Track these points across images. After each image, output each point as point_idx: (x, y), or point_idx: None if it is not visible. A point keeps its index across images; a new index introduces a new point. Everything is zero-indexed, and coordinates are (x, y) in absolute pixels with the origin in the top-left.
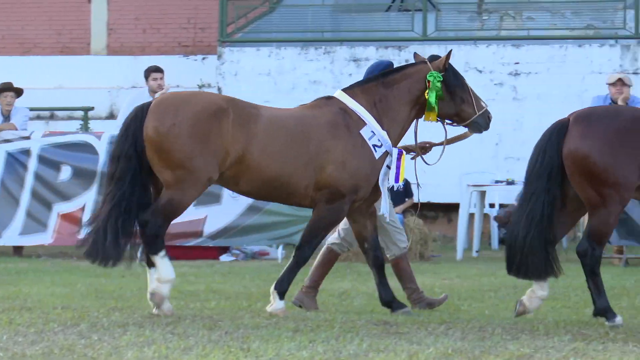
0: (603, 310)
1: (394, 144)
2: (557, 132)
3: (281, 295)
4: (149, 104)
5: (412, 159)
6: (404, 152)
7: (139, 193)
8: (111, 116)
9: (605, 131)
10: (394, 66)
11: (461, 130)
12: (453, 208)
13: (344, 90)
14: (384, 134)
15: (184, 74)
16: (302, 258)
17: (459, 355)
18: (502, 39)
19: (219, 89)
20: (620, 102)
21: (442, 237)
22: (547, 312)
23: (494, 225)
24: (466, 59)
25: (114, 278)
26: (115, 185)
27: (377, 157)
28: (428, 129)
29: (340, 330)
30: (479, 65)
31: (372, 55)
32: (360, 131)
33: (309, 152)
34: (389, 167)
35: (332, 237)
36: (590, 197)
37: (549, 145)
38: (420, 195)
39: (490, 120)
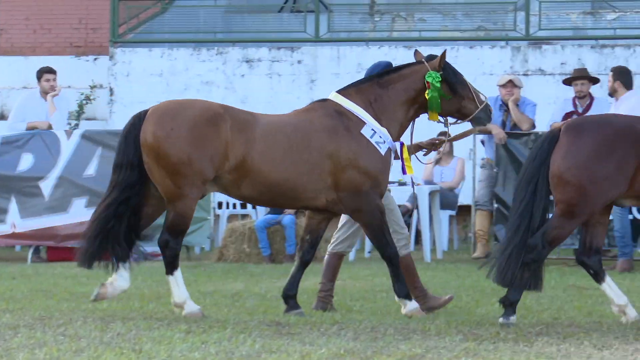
0: (509, 303)
1: (395, 140)
2: (549, 141)
3: (407, 297)
4: (146, 111)
5: (424, 154)
6: (404, 144)
7: (135, 200)
8: (2, 117)
9: (593, 141)
10: (393, 66)
11: (464, 127)
12: None
13: (339, 91)
14: (384, 130)
15: (76, 75)
16: (392, 258)
17: (351, 355)
18: (393, 40)
19: (111, 89)
20: (510, 104)
21: None
22: (438, 312)
23: None
24: (358, 60)
25: (4, 279)
26: (114, 192)
27: (383, 154)
28: (431, 126)
29: (232, 331)
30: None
31: (264, 56)
32: (361, 131)
33: (311, 158)
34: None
35: (331, 245)
36: (562, 201)
37: (540, 155)
38: None
39: (491, 113)
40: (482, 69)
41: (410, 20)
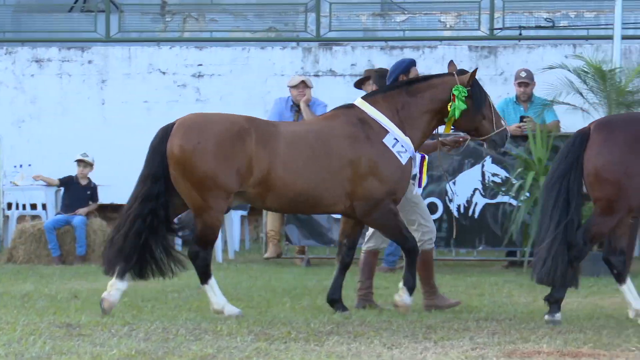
0: (554, 301)
1: (415, 150)
2: (580, 140)
3: (410, 290)
4: (172, 124)
5: (447, 151)
6: (426, 157)
7: (162, 213)
8: None
9: (626, 138)
10: (415, 64)
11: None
12: None
13: (365, 97)
14: (407, 139)
15: None
16: (410, 251)
17: (142, 356)
18: (185, 41)
19: None
20: (302, 104)
21: None
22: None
23: None
24: (149, 61)
25: None
26: (141, 204)
27: (404, 163)
28: None
29: (22, 332)
30: (162, 66)
31: (54, 56)
32: (383, 140)
33: (331, 166)
34: (414, 175)
35: (364, 244)
36: (600, 199)
37: (571, 154)
38: (104, 197)
39: (507, 139)
40: (273, 69)
41: (201, 21)
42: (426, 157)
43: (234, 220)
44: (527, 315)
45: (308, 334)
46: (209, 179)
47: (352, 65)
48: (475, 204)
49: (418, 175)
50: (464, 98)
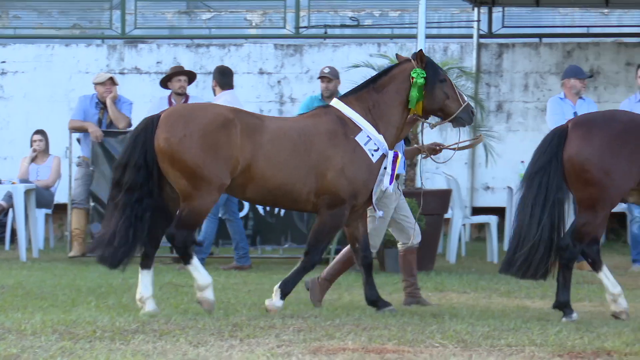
0: (563, 305)
1: (391, 147)
2: (558, 137)
3: (283, 295)
4: (159, 115)
5: (423, 158)
6: (399, 155)
7: (148, 201)
8: None
9: (604, 136)
10: None
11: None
12: None
13: (340, 98)
14: (381, 137)
15: None
16: (310, 263)
17: None
18: None
19: None
20: (108, 102)
21: None
22: (34, 311)
23: None
24: None
25: None
26: (126, 194)
27: (374, 161)
28: (440, 133)
29: None
30: None
31: None
32: (356, 137)
33: (310, 160)
34: (385, 168)
35: (399, 244)
36: (583, 197)
37: (549, 150)
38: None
39: (473, 115)
40: (78, 67)
41: (4, 18)
42: (399, 154)
43: (38, 218)
44: (333, 313)
45: (113, 332)
46: (199, 169)
47: (158, 62)
48: None
49: (390, 171)
50: (422, 79)
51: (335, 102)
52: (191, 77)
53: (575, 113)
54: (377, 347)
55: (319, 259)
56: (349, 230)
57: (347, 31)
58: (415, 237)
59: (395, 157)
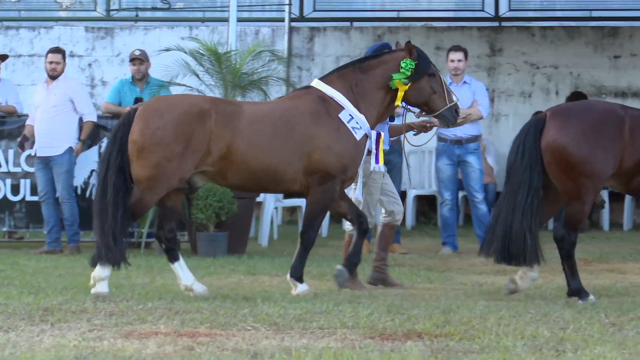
0: (577, 291)
1: (372, 127)
2: (535, 126)
3: (299, 279)
4: (136, 109)
5: (414, 135)
6: (382, 134)
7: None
8: None
9: (581, 125)
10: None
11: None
12: None
13: (321, 78)
14: (362, 117)
15: None
16: (308, 242)
17: None
18: None
19: None
20: None
21: None
22: None
23: None
24: None
25: None
26: (113, 190)
27: (358, 139)
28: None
29: None
30: None
31: None
32: (339, 115)
33: (294, 141)
34: (369, 151)
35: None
36: (567, 187)
37: (527, 139)
38: None
39: (458, 115)
40: None
41: None
42: (382, 133)
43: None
44: (145, 297)
45: None
46: (162, 163)
47: None
48: (93, 186)
49: (375, 151)
50: (409, 71)
51: (315, 83)
52: (2, 59)
53: None
54: (189, 331)
55: (314, 236)
56: (335, 209)
57: (159, 14)
58: (398, 214)
59: (378, 136)
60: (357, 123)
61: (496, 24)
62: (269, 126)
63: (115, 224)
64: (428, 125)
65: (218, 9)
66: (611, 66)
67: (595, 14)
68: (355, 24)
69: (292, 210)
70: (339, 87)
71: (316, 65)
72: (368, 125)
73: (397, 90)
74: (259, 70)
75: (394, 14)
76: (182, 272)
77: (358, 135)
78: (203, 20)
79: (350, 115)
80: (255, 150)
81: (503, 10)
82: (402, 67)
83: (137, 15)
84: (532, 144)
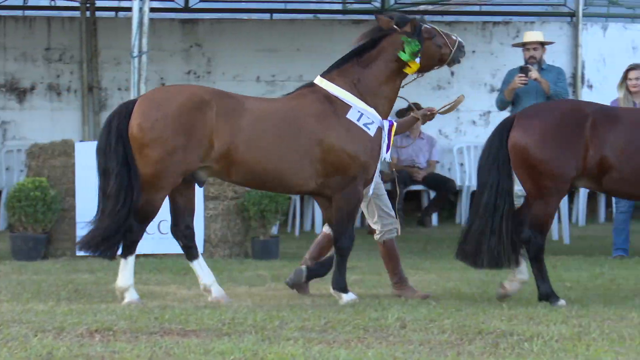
0: (546, 295)
1: (385, 117)
2: (503, 127)
3: (343, 290)
4: (135, 100)
5: (422, 124)
6: (394, 124)
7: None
8: None
9: (543, 125)
10: None
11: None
12: None
13: (323, 75)
14: (372, 110)
15: None
16: (343, 250)
17: None
18: None
19: None
20: None
21: None
22: None
23: None
24: None
25: None
26: (115, 180)
27: (372, 135)
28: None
29: None
30: None
31: None
32: (347, 115)
33: (302, 145)
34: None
35: (377, 235)
36: (530, 188)
37: (496, 140)
38: None
39: (463, 47)
40: None
41: None
42: (394, 123)
43: None
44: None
45: None
46: (167, 156)
47: None
48: None
49: (387, 141)
50: (417, 47)
51: (319, 80)
52: None
53: None
54: None
55: (349, 243)
56: (327, 215)
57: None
58: (392, 232)
59: (391, 125)
60: (368, 118)
61: None
62: (273, 128)
63: (113, 217)
64: (429, 113)
65: None
66: None
67: None
68: None
69: None
70: (342, 84)
71: None
72: (379, 117)
73: (404, 73)
74: None
75: (281, 6)
76: (202, 270)
77: (372, 131)
78: None
79: (359, 112)
80: (257, 154)
81: None
82: (407, 49)
83: None
84: (498, 145)
